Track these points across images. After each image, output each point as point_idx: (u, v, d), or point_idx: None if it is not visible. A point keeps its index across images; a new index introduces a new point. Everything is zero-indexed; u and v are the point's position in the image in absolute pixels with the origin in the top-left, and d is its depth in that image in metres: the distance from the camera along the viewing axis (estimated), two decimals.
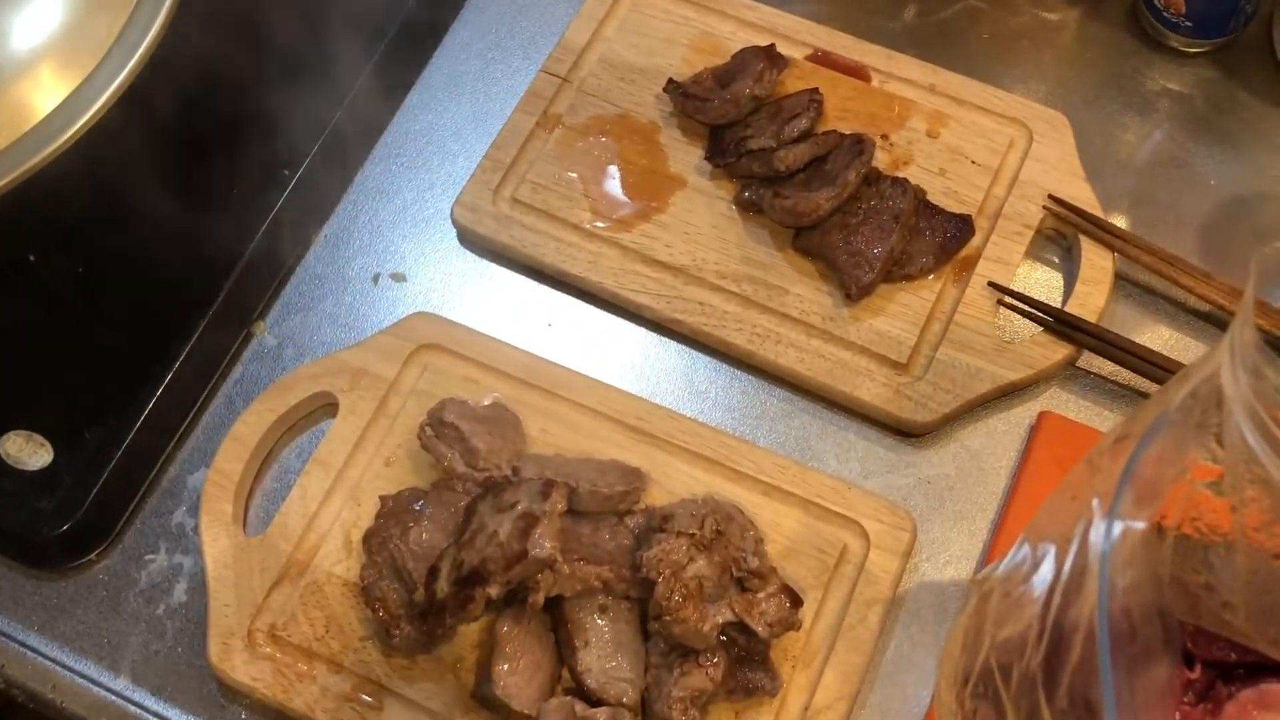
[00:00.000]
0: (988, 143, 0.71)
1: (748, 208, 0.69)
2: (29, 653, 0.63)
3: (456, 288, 0.71)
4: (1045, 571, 0.40)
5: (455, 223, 0.71)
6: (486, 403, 0.65)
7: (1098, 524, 0.36)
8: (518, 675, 0.57)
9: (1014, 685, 0.38)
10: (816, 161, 0.68)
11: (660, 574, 0.56)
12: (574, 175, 0.71)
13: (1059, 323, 0.66)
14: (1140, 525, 0.34)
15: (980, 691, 0.41)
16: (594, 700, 0.57)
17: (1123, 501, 0.35)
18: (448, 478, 0.62)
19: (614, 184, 0.71)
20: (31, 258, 0.68)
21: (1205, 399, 0.35)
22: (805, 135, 0.68)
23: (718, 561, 0.58)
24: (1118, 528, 0.35)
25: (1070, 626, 0.38)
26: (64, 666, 0.62)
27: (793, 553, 0.62)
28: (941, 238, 0.67)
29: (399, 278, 0.72)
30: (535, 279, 0.71)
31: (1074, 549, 0.38)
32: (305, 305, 0.71)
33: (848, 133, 0.69)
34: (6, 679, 0.63)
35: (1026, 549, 0.44)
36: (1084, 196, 0.69)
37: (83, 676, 0.62)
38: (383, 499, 0.61)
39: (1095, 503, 0.37)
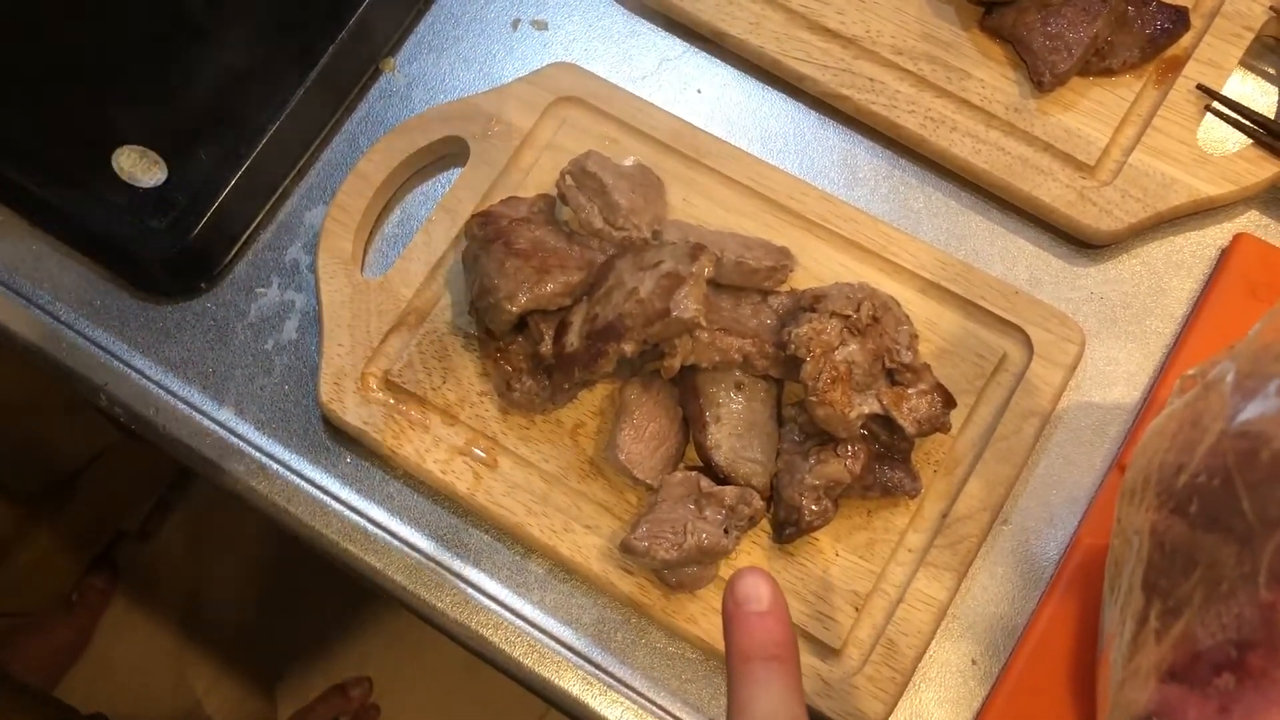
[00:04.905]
0: None
1: None
2: (133, 374, 0.60)
3: (601, 42, 0.65)
4: None
5: None
6: (628, 163, 0.60)
7: None
8: (642, 443, 0.54)
9: (1259, 470, 0.33)
10: None
11: (810, 353, 0.52)
12: None
13: (1272, 136, 0.59)
14: None
15: (1200, 483, 0.36)
16: (721, 478, 0.54)
17: None
18: (581, 233, 0.57)
19: None
20: None
21: None
22: None
23: (870, 349, 0.53)
24: None
25: None
26: (167, 391, 0.60)
27: (947, 354, 0.57)
28: (1151, 30, 0.60)
29: (540, 25, 0.66)
30: (688, 40, 0.65)
31: None
32: (439, 45, 0.66)
33: None
34: (109, 397, 0.60)
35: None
36: None
37: (185, 403, 0.60)
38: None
39: None
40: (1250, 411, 0.36)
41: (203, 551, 1.28)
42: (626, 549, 0.52)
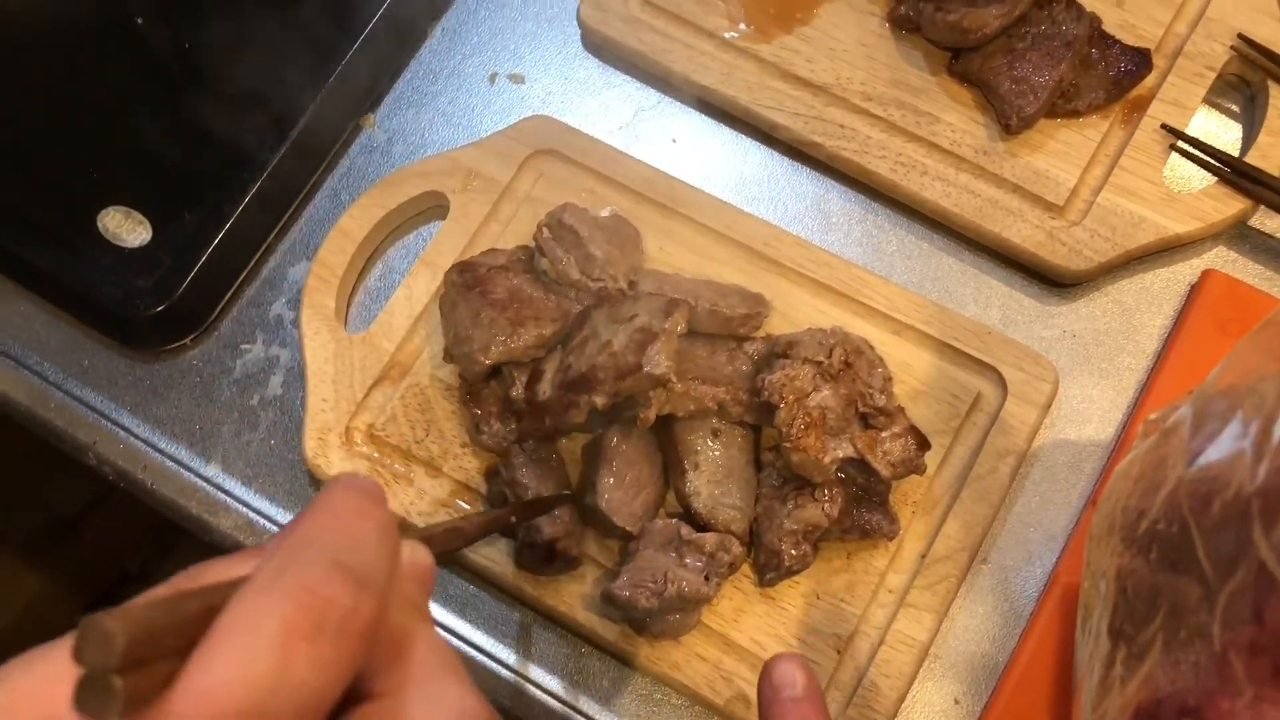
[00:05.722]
0: None
1: (902, 25, 0.63)
2: (121, 432, 0.61)
3: (577, 94, 0.67)
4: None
5: (581, 23, 0.66)
6: (605, 213, 0.61)
7: None
8: (622, 490, 0.55)
9: (1212, 517, 0.34)
10: None
11: (783, 400, 0.53)
12: None
13: (1236, 174, 0.60)
14: None
15: (1159, 529, 0.37)
16: (701, 525, 0.55)
17: None
18: (558, 283, 0.58)
19: None
20: (139, 20, 0.65)
21: None
22: None
23: (843, 394, 0.54)
24: None
25: None
26: (155, 449, 0.61)
27: (922, 395, 0.58)
28: (1115, 72, 0.61)
29: (517, 79, 0.67)
30: (662, 90, 0.66)
31: None
32: (418, 101, 0.67)
33: None
34: (98, 456, 0.61)
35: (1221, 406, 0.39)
36: (1278, 39, 0.62)
37: (173, 460, 0.61)
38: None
39: None
40: (1206, 457, 0.36)
41: None
42: (608, 599, 0.52)
